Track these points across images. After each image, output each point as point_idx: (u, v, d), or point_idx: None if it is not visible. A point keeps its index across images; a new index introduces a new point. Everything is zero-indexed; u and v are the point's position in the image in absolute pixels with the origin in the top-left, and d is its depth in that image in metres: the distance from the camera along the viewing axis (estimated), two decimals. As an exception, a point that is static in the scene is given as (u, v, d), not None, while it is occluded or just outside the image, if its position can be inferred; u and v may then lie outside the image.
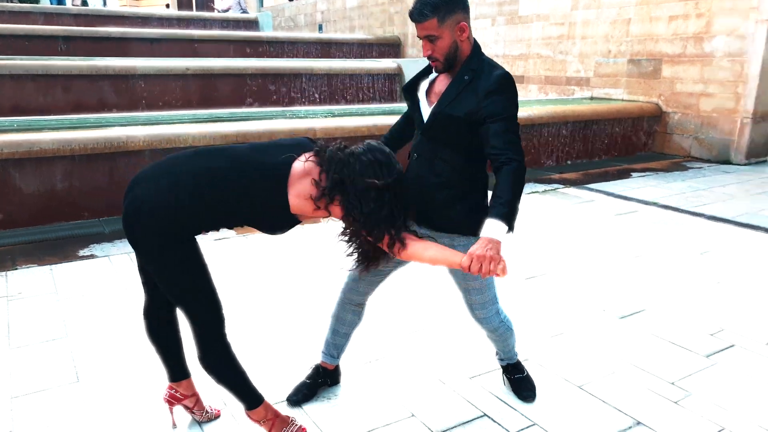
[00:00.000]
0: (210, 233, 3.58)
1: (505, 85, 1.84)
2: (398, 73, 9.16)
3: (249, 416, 1.98)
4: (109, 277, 3.46)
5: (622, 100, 8.39)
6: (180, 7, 23.72)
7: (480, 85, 1.84)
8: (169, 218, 1.69)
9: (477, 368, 2.53)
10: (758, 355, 2.68)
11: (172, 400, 2.10)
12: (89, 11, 12.72)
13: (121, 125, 4.84)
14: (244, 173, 1.73)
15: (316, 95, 8.32)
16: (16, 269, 3.57)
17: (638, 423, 2.17)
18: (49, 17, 11.44)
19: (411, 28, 12.36)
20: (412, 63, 9.37)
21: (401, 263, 2.11)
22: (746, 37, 7.05)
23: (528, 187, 6.07)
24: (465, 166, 1.96)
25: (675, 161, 7.65)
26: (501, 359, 2.37)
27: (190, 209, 1.70)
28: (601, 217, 5.00)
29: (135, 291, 3.23)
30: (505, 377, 2.39)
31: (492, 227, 1.72)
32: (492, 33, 10.27)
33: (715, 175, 6.82)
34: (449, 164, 1.94)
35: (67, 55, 8.68)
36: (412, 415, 2.20)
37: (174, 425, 2.12)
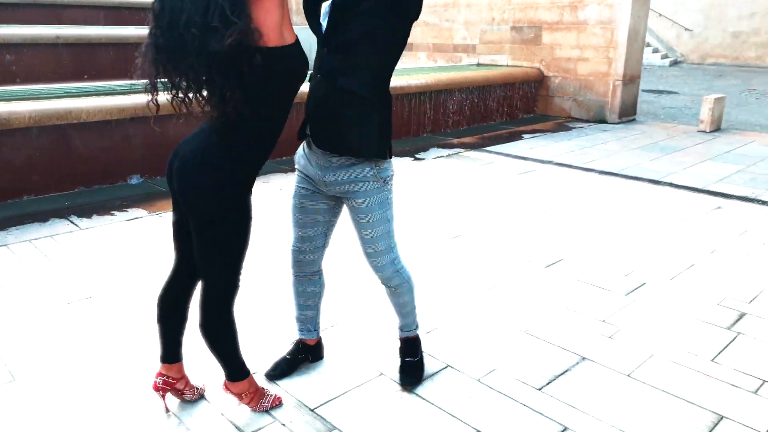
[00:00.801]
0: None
1: None
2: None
3: (229, 388, 1.94)
4: (16, 268, 3.13)
5: (507, 65, 8.85)
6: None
7: None
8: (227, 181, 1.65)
9: (434, 323, 2.64)
10: (666, 289, 3.05)
11: (165, 387, 1.96)
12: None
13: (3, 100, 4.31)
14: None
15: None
16: None
17: (584, 359, 2.40)
18: None
19: (295, -6, 12.06)
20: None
21: (333, 219, 2.11)
22: (614, 5, 7.71)
23: (433, 152, 6.27)
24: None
25: (558, 122, 8.25)
26: (400, 329, 2.25)
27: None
28: (505, 176, 5.31)
29: (44, 278, 2.96)
30: (399, 356, 2.26)
31: None
32: (380, 0, 10.29)
33: (596, 133, 7.46)
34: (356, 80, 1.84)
35: None
36: (381, 374, 2.27)
37: (167, 410, 2.00)
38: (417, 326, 2.27)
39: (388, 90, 1.94)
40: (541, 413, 2.04)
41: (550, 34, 8.39)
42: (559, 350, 2.46)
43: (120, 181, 4.79)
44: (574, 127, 7.85)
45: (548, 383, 2.22)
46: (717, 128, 7.65)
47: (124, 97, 4.69)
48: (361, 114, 1.87)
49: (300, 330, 2.28)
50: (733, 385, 2.22)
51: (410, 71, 7.67)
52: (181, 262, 1.87)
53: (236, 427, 1.94)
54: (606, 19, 7.82)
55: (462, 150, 6.41)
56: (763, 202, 4.60)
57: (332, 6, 1.81)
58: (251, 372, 1.96)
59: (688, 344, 2.51)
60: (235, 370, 1.91)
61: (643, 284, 3.10)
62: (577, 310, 2.81)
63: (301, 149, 2.04)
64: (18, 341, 2.45)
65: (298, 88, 1.71)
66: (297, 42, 1.62)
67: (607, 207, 4.45)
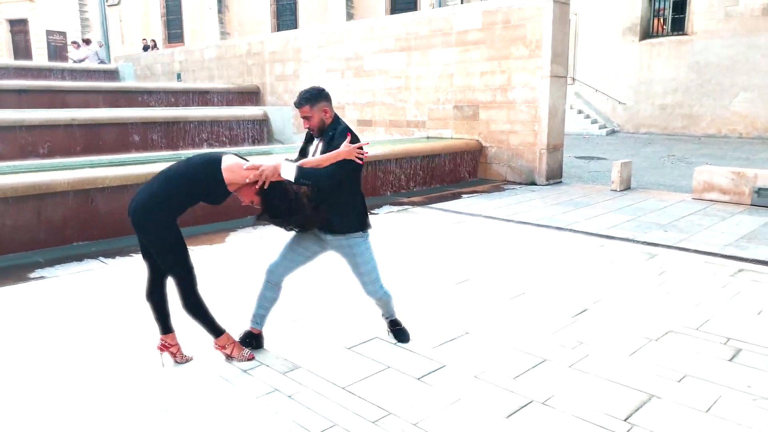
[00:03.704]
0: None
1: (344, 132, 3.14)
2: (265, 119, 10.41)
3: (216, 343, 3.13)
4: (56, 295, 4.28)
5: (452, 138, 10.42)
6: (16, 56, 22.77)
7: (335, 136, 3.14)
8: (160, 209, 2.88)
9: (364, 317, 3.85)
10: (547, 300, 4.34)
11: (163, 348, 3.15)
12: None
13: (44, 170, 5.55)
14: (189, 165, 2.97)
15: (196, 139, 9.27)
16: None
17: (545, 361, 3.64)
18: None
19: (269, 77, 13.70)
20: (277, 110, 10.69)
21: (315, 255, 3.35)
22: (536, 88, 9.39)
23: (386, 209, 7.62)
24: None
25: (495, 185, 9.74)
26: (385, 317, 3.54)
27: (167, 202, 2.90)
28: (441, 225, 6.65)
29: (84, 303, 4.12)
30: (389, 329, 3.59)
31: (287, 165, 2.89)
32: (342, 84, 11.95)
33: (524, 193, 8.93)
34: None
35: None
36: (333, 342, 3.47)
37: (163, 365, 3.16)
38: (395, 313, 3.54)
39: (358, 192, 3.25)
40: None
41: (485, 111, 10.03)
42: (524, 354, 3.69)
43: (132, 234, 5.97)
44: (508, 189, 9.33)
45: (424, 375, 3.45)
46: (627, 187, 9.20)
47: (137, 166, 5.97)
48: (344, 210, 3.17)
49: (252, 322, 3.38)
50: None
51: (369, 144, 9.14)
52: (151, 267, 3.08)
53: (205, 371, 3.12)
54: (530, 99, 9.48)
55: (410, 207, 7.78)
56: (636, 241, 5.99)
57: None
58: (225, 330, 3.16)
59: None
60: (215, 330, 3.12)
61: (523, 293, 4.39)
62: (521, 323, 4.07)
63: None
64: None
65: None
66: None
67: (518, 246, 5.79)
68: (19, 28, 24.22)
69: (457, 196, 8.69)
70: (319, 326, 3.74)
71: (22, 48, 23.10)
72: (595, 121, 19.09)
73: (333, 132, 3.15)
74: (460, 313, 3.99)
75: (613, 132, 19.16)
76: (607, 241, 6.01)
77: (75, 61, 15.37)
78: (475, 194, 8.84)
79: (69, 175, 5.46)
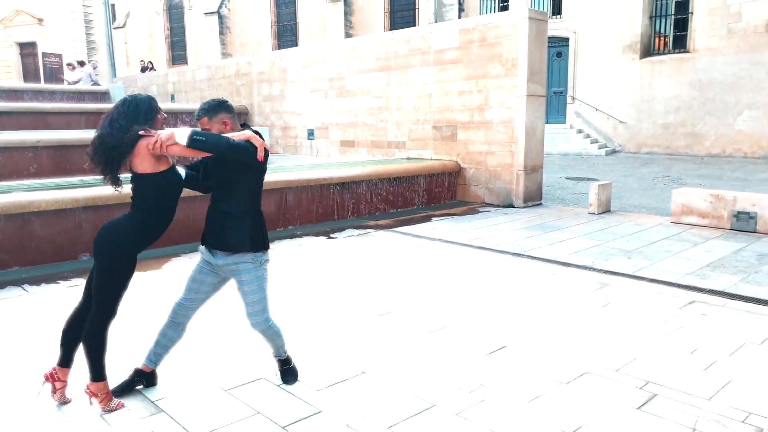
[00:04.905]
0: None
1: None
2: (243, 141, 10.33)
3: (89, 387, 2.91)
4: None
5: (431, 159, 10.23)
6: (26, 79, 23.32)
7: None
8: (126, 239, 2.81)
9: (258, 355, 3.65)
10: (468, 335, 4.09)
11: (50, 378, 2.96)
12: (-74, 84, 12.54)
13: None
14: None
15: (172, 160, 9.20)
16: None
17: (433, 406, 3.41)
18: None
19: (256, 98, 13.71)
20: (263, 131, 10.59)
21: (211, 293, 3.17)
22: (513, 107, 9.17)
23: (347, 232, 7.43)
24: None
25: (471, 207, 9.50)
26: (275, 356, 3.27)
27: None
28: (394, 251, 6.43)
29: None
30: (277, 369, 3.29)
31: (181, 130, 2.73)
32: (326, 104, 11.87)
33: (497, 216, 8.67)
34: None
35: None
36: (213, 381, 3.27)
37: (39, 393, 2.98)
38: (285, 352, 3.29)
39: (255, 206, 3.05)
40: (305, 400, 3.04)
41: (463, 131, 9.82)
42: (413, 398, 3.46)
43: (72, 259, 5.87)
44: (483, 211, 9.08)
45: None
46: (606, 210, 8.88)
47: (78, 190, 5.87)
48: (237, 222, 2.98)
49: (147, 359, 3.18)
50: None
51: (335, 165, 8.99)
52: (87, 299, 2.93)
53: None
54: (507, 119, 9.26)
55: (372, 230, 7.57)
56: (592, 269, 5.70)
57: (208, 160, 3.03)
58: (106, 378, 2.96)
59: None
60: (99, 373, 2.91)
61: (445, 326, 4.14)
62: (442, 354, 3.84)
63: (202, 246, 3.14)
64: None
65: (172, 193, 2.92)
66: (168, 169, 2.86)
67: (459, 273, 5.54)
68: (28, 50, 24.85)
69: (427, 219, 8.47)
70: (211, 362, 3.54)
71: (31, 70, 23.66)
72: (595, 141, 18.73)
73: None
74: (368, 349, 3.76)
75: (613, 152, 18.77)
76: (561, 268, 5.73)
77: (70, 83, 15.60)
78: (446, 217, 8.61)
79: (3, 199, 5.38)
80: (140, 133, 2.78)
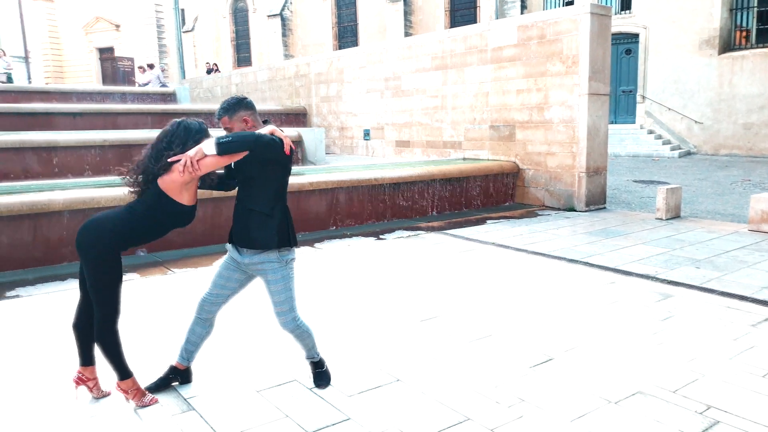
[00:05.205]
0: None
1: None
2: (299, 140, 10.43)
3: (119, 386, 2.93)
4: (33, 311, 4.33)
5: (488, 159, 9.96)
6: (105, 81, 24.65)
7: None
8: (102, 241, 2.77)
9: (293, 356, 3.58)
10: (513, 345, 3.89)
11: (79, 381, 3.02)
12: (14, 88, 13.44)
13: (42, 190, 5.74)
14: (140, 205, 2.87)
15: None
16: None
17: (466, 420, 3.28)
18: (-24, 95, 12.13)
19: (314, 99, 13.83)
20: (310, 131, 10.69)
21: (238, 290, 3.12)
22: (573, 107, 8.79)
23: (396, 234, 7.32)
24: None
25: (530, 210, 9.16)
26: (307, 358, 3.19)
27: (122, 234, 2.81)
28: (445, 254, 6.25)
29: (52, 320, 4.12)
30: (311, 371, 3.22)
31: (208, 142, 2.71)
32: (382, 104, 11.81)
33: (557, 220, 8.32)
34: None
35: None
36: (245, 381, 3.23)
37: (77, 398, 3.03)
38: (317, 354, 3.20)
39: (281, 203, 2.97)
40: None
41: (522, 131, 9.50)
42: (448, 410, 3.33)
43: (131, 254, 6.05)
44: (542, 215, 8.74)
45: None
46: (675, 216, 8.35)
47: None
48: (263, 219, 2.93)
49: (180, 356, 3.18)
50: None
51: (387, 165, 8.90)
52: (84, 295, 2.94)
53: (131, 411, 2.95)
54: (567, 118, 8.88)
55: (423, 232, 7.42)
56: (655, 279, 5.33)
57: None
58: (132, 374, 2.96)
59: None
60: (122, 371, 2.92)
61: (490, 335, 3.95)
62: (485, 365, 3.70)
63: (228, 244, 3.10)
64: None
65: (176, 222, 2.91)
66: (189, 206, 2.86)
67: (510, 279, 5.31)
68: (106, 55, 26.27)
69: (481, 221, 8.23)
70: (246, 362, 3.51)
71: (109, 73, 24.97)
72: (667, 142, 17.76)
73: None
74: (405, 355, 3.63)
75: (687, 154, 17.74)
76: (620, 277, 5.39)
77: (140, 85, 16.30)
78: (502, 220, 8.34)
79: (65, 195, 5.60)
80: (169, 160, 2.76)
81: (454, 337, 3.93)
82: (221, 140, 2.70)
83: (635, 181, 12.40)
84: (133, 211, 2.85)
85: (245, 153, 2.77)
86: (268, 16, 22.69)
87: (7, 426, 2.82)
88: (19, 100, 11.63)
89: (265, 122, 3.00)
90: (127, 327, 4.01)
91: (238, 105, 2.94)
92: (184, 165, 2.70)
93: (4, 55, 16.60)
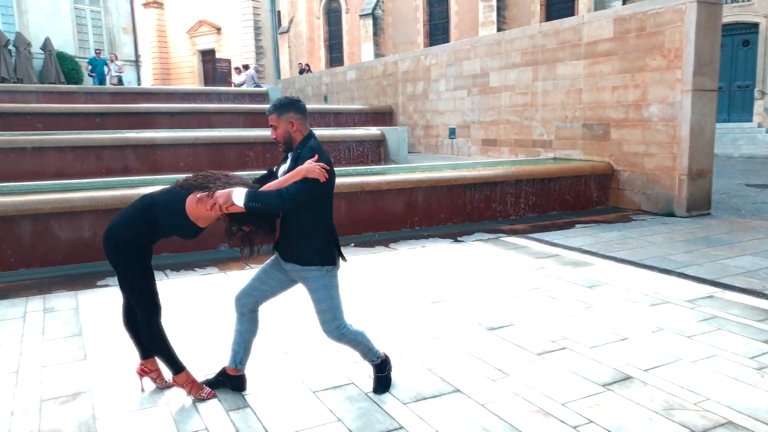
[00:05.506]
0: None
1: (312, 151, 2.84)
2: (382, 139, 10.43)
3: (175, 380, 3.02)
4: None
5: (580, 159, 9.45)
6: (206, 82, 26.12)
7: (302, 155, 2.85)
8: (124, 239, 2.86)
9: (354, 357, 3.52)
10: (586, 362, 3.62)
11: (142, 372, 3.15)
12: (123, 89, 14.54)
13: (136, 186, 6.10)
14: (156, 201, 2.90)
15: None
16: (51, 293, 4.78)
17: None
18: (89, 96, 13.21)
19: (401, 97, 13.79)
20: (393, 131, 10.66)
21: (283, 286, 3.08)
22: (675, 104, 8.12)
23: (476, 236, 7.10)
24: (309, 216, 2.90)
25: (624, 214, 8.58)
26: (367, 360, 3.14)
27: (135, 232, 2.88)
28: (523, 258, 5.97)
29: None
30: (371, 374, 3.16)
31: (239, 191, 2.71)
32: (468, 102, 11.55)
33: (653, 226, 7.72)
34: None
35: (101, 128, 10.22)
36: (303, 382, 3.21)
37: (143, 390, 3.16)
38: (378, 357, 3.12)
39: (324, 220, 2.93)
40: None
41: (617, 130, 8.92)
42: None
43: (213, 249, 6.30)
44: (636, 219, 8.16)
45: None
46: (792, 224, 7.50)
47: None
48: (306, 237, 2.91)
49: (230, 360, 3.11)
50: None
51: (469, 164, 8.66)
52: (126, 297, 3.04)
53: (184, 400, 3.02)
54: (668, 117, 8.22)
55: (504, 235, 7.15)
56: (760, 294, 4.77)
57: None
58: (185, 368, 3.04)
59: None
60: (175, 366, 3.01)
61: (563, 348, 3.70)
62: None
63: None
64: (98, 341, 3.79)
65: (180, 233, 2.95)
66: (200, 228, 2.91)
67: (593, 290, 4.96)
68: (208, 57, 27.82)
69: (569, 225, 7.81)
70: (304, 362, 3.50)
71: (210, 75, 26.47)
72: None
73: (300, 150, 2.89)
74: (469, 365, 3.47)
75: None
76: (719, 291, 4.88)
77: (236, 85, 17.03)
78: (592, 224, 7.87)
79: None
80: (198, 196, 2.80)
81: (522, 348, 3.71)
82: (252, 202, 2.71)
83: (748, 185, 11.32)
84: (153, 206, 2.87)
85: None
86: (360, 15, 22.98)
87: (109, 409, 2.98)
88: (126, 101, 12.54)
89: (307, 138, 2.91)
90: (207, 320, 4.17)
91: (289, 106, 2.91)
92: (212, 206, 2.75)
93: (116, 59, 18.02)
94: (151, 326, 2.95)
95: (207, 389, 3.07)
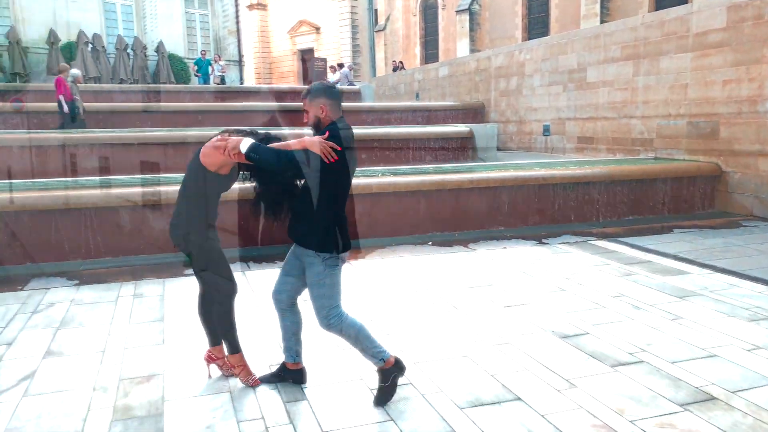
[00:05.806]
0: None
1: (329, 131, 2.82)
2: (470, 136, 10.24)
3: (229, 359, 3.14)
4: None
5: (683, 159, 8.76)
6: (304, 81, 26.97)
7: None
8: (188, 224, 3.02)
9: (414, 357, 3.46)
10: (658, 378, 3.35)
11: (209, 359, 3.29)
12: (224, 89, 15.36)
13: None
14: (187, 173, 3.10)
15: (393, 156, 9.64)
16: (143, 279, 5.14)
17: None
18: (194, 95, 14.09)
19: (493, 93, 13.46)
20: (482, 127, 10.42)
21: (302, 277, 3.03)
22: (797, 100, 7.31)
23: (563, 239, 6.79)
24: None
25: (732, 219, 7.86)
26: (371, 362, 3.02)
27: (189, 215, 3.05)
28: (609, 263, 5.62)
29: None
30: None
31: (247, 141, 2.80)
32: (564, 98, 11.06)
33: (765, 233, 7.01)
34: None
35: (202, 125, 10.85)
36: (361, 379, 3.22)
37: (209, 376, 3.31)
38: (382, 360, 2.98)
39: (330, 207, 2.90)
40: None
41: (727, 128, 8.18)
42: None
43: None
44: (746, 225, 7.44)
45: (468, 405, 2.91)
46: None
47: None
48: (308, 217, 2.93)
49: (286, 355, 3.18)
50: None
51: (559, 163, 8.28)
52: (201, 284, 3.18)
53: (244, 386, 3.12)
54: (789, 114, 7.42)
55: (593, 239, 6.77)
56: None
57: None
58: (241, 350, 3.17)
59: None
60: (233, 346, 3.13)
61: (639, 361, 3.44)
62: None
63: None
64: (177, 326, 4.01)
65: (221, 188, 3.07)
66: (230, 173, 3.02)
67: (685, 299, 4.57)
68: (307, 56, 28.65)
69: (667, 230, 7.27)
70: (365, 360, 3.49)
71: (308, 74, 27.23)
72: None
73: (323, 133, 2.87)
74: (534, 373, 3.31)
75: None
76: (837, 309, 4.33)
77: (331, 83, 17.39)
78: (693, 229, 7.28)
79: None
80: (215, 140, 2.96)
81: (597, 358, 3.49)
82: (252, 152, 2.78)
83: None
84: (185, 186, 3.07)
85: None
86: (457, 11, 22.69)
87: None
88: (226, 99, 13.22)
89: (334, 123, 2.88)
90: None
91: (321, 92, 2.91)
92: (224, 149, 2.86)
93: (219, 59, 19.08)
94: (225, 307, 3.12)
95: (254, 376, 3.18)
